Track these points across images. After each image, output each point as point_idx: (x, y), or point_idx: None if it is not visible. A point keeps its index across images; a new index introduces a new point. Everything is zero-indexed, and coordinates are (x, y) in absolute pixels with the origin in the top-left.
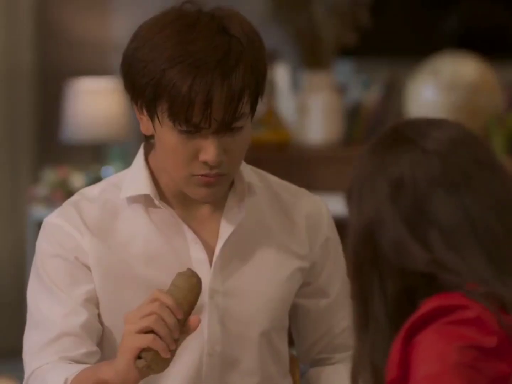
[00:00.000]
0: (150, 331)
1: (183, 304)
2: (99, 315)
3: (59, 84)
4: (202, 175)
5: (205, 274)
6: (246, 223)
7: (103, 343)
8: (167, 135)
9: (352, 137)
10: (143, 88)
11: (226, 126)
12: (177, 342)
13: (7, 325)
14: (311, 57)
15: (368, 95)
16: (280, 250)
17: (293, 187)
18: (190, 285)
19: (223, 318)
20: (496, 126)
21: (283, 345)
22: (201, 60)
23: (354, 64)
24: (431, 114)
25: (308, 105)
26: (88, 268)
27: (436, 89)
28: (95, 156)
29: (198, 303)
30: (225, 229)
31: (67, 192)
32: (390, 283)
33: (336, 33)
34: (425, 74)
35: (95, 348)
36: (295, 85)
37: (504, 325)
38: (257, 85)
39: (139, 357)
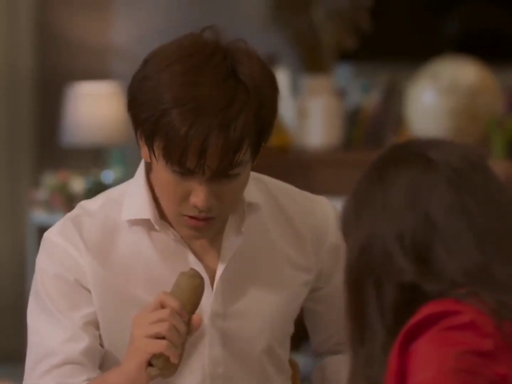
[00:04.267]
0: (161, 337)
1: (187, 305)
2: (100, 336)
3: (59, 88)
4: (190, 216)
5: (207, 297)
6: (248, 242)
7: (104, 364)
8: (161, 171)
9: (352, 141)
10: (143, 121)
11: (220, 174)
12: (183, 345)
13: (7, 328)
14: (311, 61)
15: (368, 99)
16: (284, 265)
17: (297, 193)
18: (194, 286)
19: (225, 339)
20: (496, 130)
21: (286, 353)
22: (203, 106)
23: (354, 68)
24: (431, 118)
25: (308, 109)
26: (88, 290)
27: (435, 93)
28: (95, 160)
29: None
30: (226, 252)
31: (67, 196)
32: (386, 294)
33: (336, 37)
34: (424, 78)
35: (95, 374)
36: (295, 89)
37: (500, 327)
38: (260, 134)
39: (149, 364)
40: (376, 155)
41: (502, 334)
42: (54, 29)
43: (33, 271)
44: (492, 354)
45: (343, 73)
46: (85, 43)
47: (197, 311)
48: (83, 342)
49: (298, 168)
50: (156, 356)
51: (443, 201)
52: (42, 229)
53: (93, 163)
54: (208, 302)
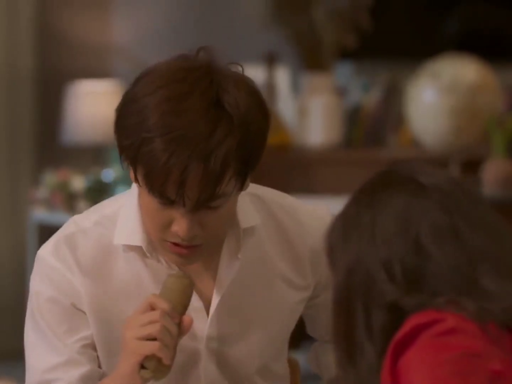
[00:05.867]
0: (153, 338)
1: (177, 307)
2: (98, 357)
3: (59, 87)
4: (173, 243)
5: (202, 322)
6: (245, 267)
7: None
8: (144, 197)
9: (352, 139)
10: (126, 147)
11: (202, 205)
12: (175, 347)
13: (7, 327)
14: (311, 59)
15: (368, 97)
16: (282, 286)
17: (297, 210)
18: (183, 287)
19: (219, 360)
20: (496, 128)
21: (282, 365)
22: (184, 135)
23: (354, 67)
24: (431, 117)
25: (308, 107)
26: (85, 312)
27: (436, 91)
28: (96, 159)
29: (194, 349)
30: (222, 279)
31: (68, 195)
32: (374, 317)
33: (336, 35)
34: (425, 77)
35: None
36: (295, 88)
37: (485, 329)
38: (245, 164)
39: (142, 366)
40: (376, 153)
41: (487, 334)
42: (54, 28)
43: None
44: (482, 353)
45: (343, 72)
46: (85, 42)
47: (193, 337)
48: (82, 368)
49: (298, 167)
50: (149, 358)
51: (435, 224)
52: (42, 228)
53: (94, 161)
54: (204, 327)
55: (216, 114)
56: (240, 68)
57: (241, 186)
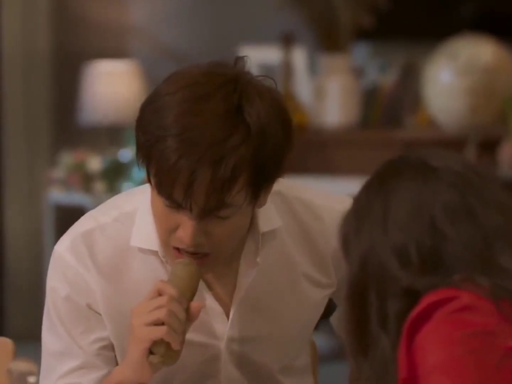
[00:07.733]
0: (160, 323)
1: (185, 293)
2: (115, 357)
3: (76, 67)
4: (178, 251)
5: (222, 325)
6: (265, 269)
7: None
8: (155, 199)
9: (369, 120)
10: (141, 145)
11: (209, 212)
12: (184, 333)
13: (25, 308)
14: (328, 40)
15: (385, 78)
16: (305, 285)
17: (321, 207)
18: (190, 273)
19: (240, 361)
20: None
21: (305, 358)
22: (196, 138)
23: (371, 47)
24: (448, 97)
25: (325, 88)
26: (100, 314)
27: (453, 72)
28: (112, 139)
29: (215, 349)
30: (242, 282)
31: (84, 175)
32: (389, 306)
33: (353, 16)
34: (442, 57)
35: None
36: (312, 68)
37: (499, 306)
38: (259, 177)
39: (150, 352)
40: (393, 134)
41: (501, 312)
42: (71, 9)
43: (50, 249)
44: (497, 331)
45: (360, 52)
46: (102, 22)
47: (213, 337)
48: (99, 371)
49: (315, 148)
50: (157, 343)
51: (448, 205)
52: (59, 208)
53: (110, 142)
54: (224, 329)
55: (234, 120)
56: (272, 82)
57: (254, 200)
